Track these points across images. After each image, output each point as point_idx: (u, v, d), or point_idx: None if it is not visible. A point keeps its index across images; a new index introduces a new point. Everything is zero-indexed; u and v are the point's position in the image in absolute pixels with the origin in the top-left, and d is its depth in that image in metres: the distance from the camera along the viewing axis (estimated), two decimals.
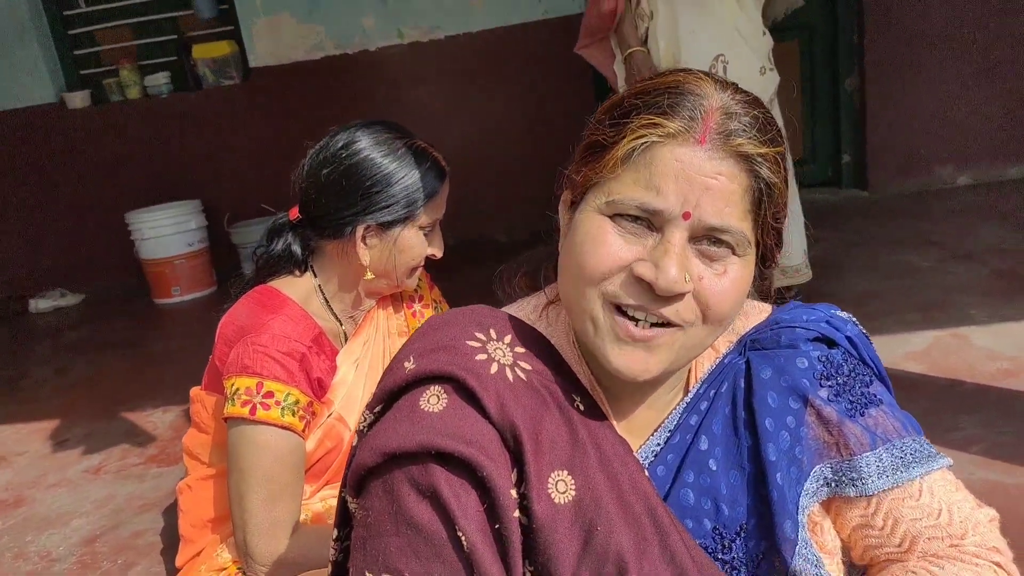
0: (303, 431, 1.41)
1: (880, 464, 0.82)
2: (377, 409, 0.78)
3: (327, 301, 1.55)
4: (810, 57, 4.65)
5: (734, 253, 0.74)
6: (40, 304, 4.89)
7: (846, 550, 0.90)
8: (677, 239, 0.72)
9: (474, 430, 0.72)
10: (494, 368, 0.76)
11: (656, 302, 0.73)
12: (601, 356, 0.77)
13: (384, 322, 1.65)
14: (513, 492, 0.72)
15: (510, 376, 0.76)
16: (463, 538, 0.70)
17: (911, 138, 4.48)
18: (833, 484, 0.84)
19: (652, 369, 0.76)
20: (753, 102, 0.76)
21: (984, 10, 4.24)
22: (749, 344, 0.88)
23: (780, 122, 2.79)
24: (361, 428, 0.79)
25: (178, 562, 1.62)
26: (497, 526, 0.71)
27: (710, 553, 0.81)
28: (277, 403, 1.37)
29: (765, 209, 0.75)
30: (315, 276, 1.55)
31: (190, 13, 4.91)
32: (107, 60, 5.11)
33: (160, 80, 4.94)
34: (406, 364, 0.77)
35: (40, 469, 2.62)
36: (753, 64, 2.71)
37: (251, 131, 4.89)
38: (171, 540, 2.05)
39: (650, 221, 0.73)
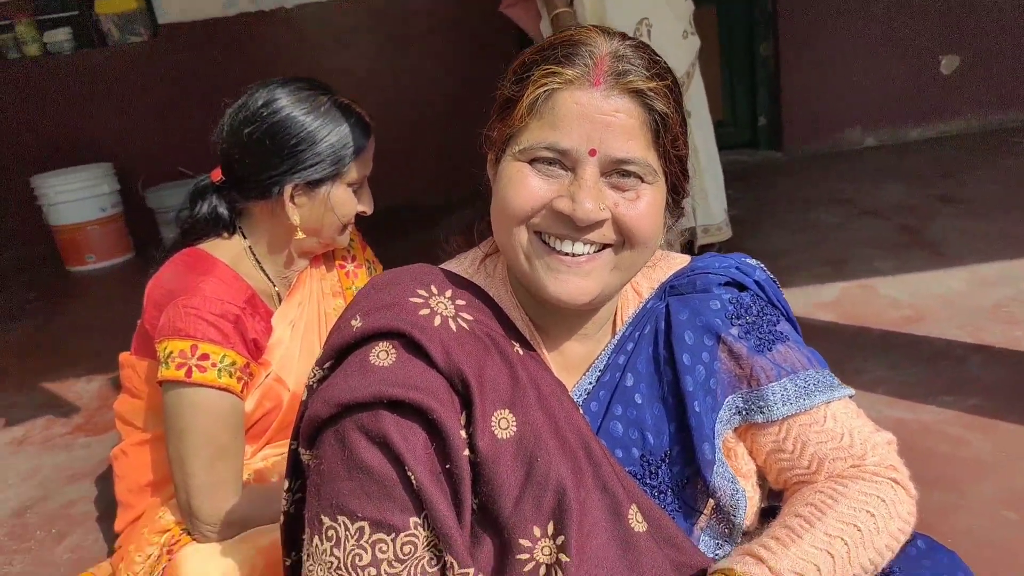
0: (241, 392, 1.41)
1: (784, 393, 0.91)
2: (327, 365, 0.82)
3: (258, 262, 1.54)
4: (727, 23, 4.77)
5: (643, 181, 0.82)
6: None
7: (764, 476, 0.99)
8: (589, 174, 0.79)
9: (423, 378, 0.77)
10: (437, 321, 0.81)
11: (579, 231, 0.81)
12: (539, 286, 0.83)
13: (318, 283, 1.65)
14: (463, 433, 0.78)
15: (453, 327, 0.82)
16: (412, 477, 0.75)
17: (822, 102, 4.68)
18: (744, 412, 0.93)
19: (588, 291, 0.83)
20: (640, 46, 0.83)
21: None
22: (669, 290, 0.97)
23: (701, 86, 2.89)
24: (311, 383, 0.83)
25: (117, 527, 1.60)
26: (448, 466, 0.77)
27: (638, 479, 0.89)
28: (213, 365, 1.36)
29: (663, 139, 0.82)
30: (244, 238, 1.53)
31: None
32: (1, 15, 4.78)
33: (61, 36, 4.66)
34: (353, 322, 0.81)
35: None
36: (676, 28, 2.78)
37: (162, 91, 4.68)
38: (105, 508, 2.01)
39: (562, 162, 0.80)
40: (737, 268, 0.97)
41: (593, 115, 0.78)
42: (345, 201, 1.51)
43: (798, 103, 4.70)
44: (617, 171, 0.80)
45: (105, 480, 2.16)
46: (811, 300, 2.71)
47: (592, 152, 0.79)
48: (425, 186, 4.85)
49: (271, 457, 1.56)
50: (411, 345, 0.79)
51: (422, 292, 0.84)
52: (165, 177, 4.63)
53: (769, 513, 0.99)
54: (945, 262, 2.88)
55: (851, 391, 0.96)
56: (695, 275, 0.96)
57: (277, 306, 1.56)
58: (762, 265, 1.01)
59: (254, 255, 1.53)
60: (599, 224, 0.81)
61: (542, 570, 0.79)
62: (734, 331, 0.93)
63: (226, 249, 1.51)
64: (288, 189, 1.45)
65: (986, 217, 3.29)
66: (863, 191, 3.88)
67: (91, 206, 4.42)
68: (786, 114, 4.73)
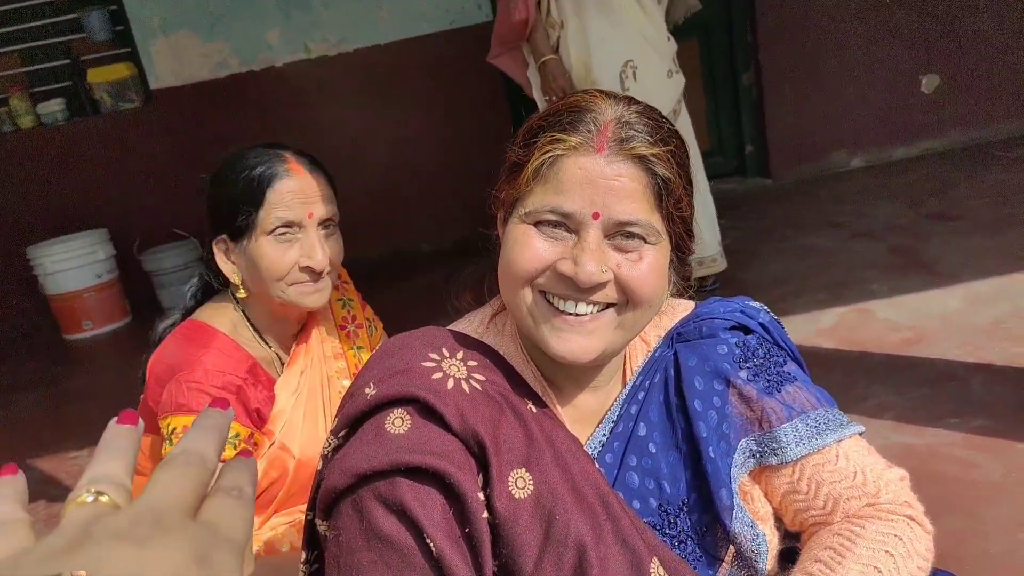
0: None
1: (796, 433, 0.92)
2: (342, 434, 0.82)
3: (255, 329, 1.54)
4: (708, 55, 4.86)
5: (646, 242, 0.83)
6: None
7: (780, 519, 0.98)
8: (592, 237, 0.81)
9: (439, 442, 0.77)
10: (450, 384, 0.82)
11: (582, 292, 0.82)
12: (544, 345, 0.85)
13: (319, 346, 1.64)
14: (480, 495, 0.77)
15: (466, 388, 0.82)
16: (431, 544, 0.74)
17: (807, 127, 4.74)
18: (758, 455, 0.93)
19: (592, 350, 0.84)
20: (645, 110, 0.85)
21: (863, 5, 4.52)
22: (676, 337, 0.97)
23: (688, 120, 2.93)
24: (326, 453, 0.84)
25: None
26: (467, 529, 0.76)
27: (657, 529, 0.89)
28: None
29: (666, 202, 0.84)
30: (237, 303, 1.53)
31: (83, 37, 4.72)
32: None
33: (54, 107, 4.73)
34: (367, 390, 0.82)
35: None
36: (660, 68, 2.83)
37: (156, 154, 4.74)
38: None
39: (567, 224, 0.82)
40: (742, 311, 0.99)
41: (596, 180, 0.80)
42: (266, 253, 1.40)
43: (783, 129, 4.76)
44: (621, 233, 0.82)
45: None
46: (811, 327, 2.71)
47: (596, 215, 0.81)
48: (415, 234, 4.89)
49: (279, 526, 1.54)
50: (426, 410, 0.79)
51: (434, 356, 0.85)
52: (160, 240, 4.66)
53: (787, 556, 0.99)
54: (941, 281, 2.89)
55: (861, 428, 0.96)
56: (701, 321, 0.97)
57: (278, 371, 1.56)
58: (766, 308, 1.02)
59: (249, 321, 1.53)
60: (602, 285, 0.82)
61: None
62: (743, 374, 0.93)
63: (223, 318, 1.50)
64: (216, 247, 1.45)
65: (978, 233, 3.31)
66: (854, 213, 3.91)
67: (87, 273, 4.44)
68: (772, 141, 4.79)
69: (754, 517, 0.93)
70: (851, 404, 2.14)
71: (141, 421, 0.44)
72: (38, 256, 4.39)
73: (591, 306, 0.83)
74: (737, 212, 4.24)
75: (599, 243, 0.81)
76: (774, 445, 0.92)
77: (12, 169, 4.71)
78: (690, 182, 0.87)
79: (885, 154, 4.77)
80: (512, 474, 0.79)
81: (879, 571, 0.85)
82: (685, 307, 1.02)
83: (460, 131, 4.79)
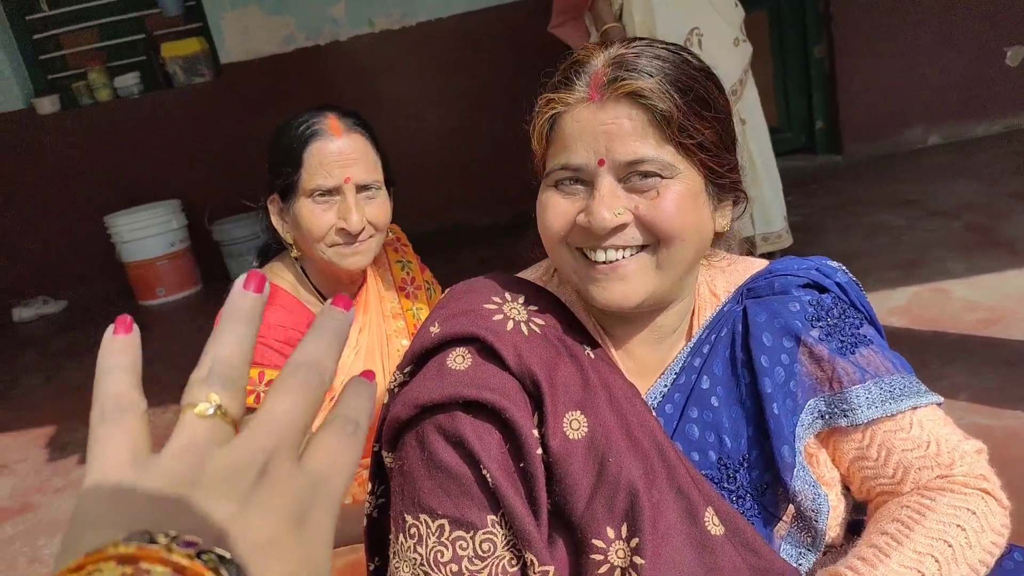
0: None
1: (869, 396, 0.88)
2: (407, 370, 0.86)
3: (315, 287, 1.56)
4: (779, 26, 4.71)
5: (662, 177, 0.81)
6: (23, 313, 4.85)
7: (848, 487, 0.96)
8: (603, 184, 0.81)
9: (496, 380, 0.80)
10: (510, 325, 0.85)
11: (605, 239, 0.82)
12: (589, 298, 0.85)
13: (377, 305, 1.67)
14: (535, 432, 0.80)
15: (525, 331, 0.85)
16: (488, 476, 0.77)
17: (881, 102, 4.56)
18: (827, 416, 0.90)
19: (632, 295, 0.83)
20: (643, 45, 0.83)
21: None
22: (746, 293, 0.95)
23: (755, 92, 2.86)
24: (392, 388, 0.88)
25: None
26: (522, 464, 0.79)
27: (716, 483, 0.88)
28: None
29: (673, 133, 0.81)
30: (295, 261, 1.56)
31: (157, 12, 4.85)
32: (74, 63, 5.05)
33: (130, 81, 4.88)
34: (432, 329, 0.85)
35: (43, 475, 2.63)
36: (727, 36, 2.75)
37: (226, 127, 4.86)
38: None
39: (580, 178, 0.83)
40: (817, 270, 0.96)
41: (595, 128, 0.81)
42: (304, 214, 1.41)
43: (856, 104, 4.59)
44: (634, 173, 0.81)
45: None
46: (881, 306, 2.62)
47: (601, 162, 0.81)
48: (472, 209, 4.91)
49: None
50: (485, 349, 0.82)
51: (496, 299, 0.88)
52: (230, 211, 4.79)
53: (854, 528, 0.96)
54: (1021, 261, 2.76)
55: (939, 398, 0.93)
56: (773, 277, 0.95)
57: None
58: (844, 267, 0.99)
59: (309, 279, 1.55)
60: (621, 228, 0.81)
61: (617, 573, 0.79)
62: (814, 333, 0.91)
63: (286, 275, 1.54)
64: (270, 206, 1.47)
65: None
66: (929, 191, 3.75)
67: (161, 242, 4.60)
68: (844, 116, 4.62)
69: (819, 481, 0.91)
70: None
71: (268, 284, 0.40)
72: (116, 224, 4.57)
73: (621, 251, 0.82)
74: (805, 189, 4.12)
75: (611, 189, 0.81)
76: (844, 407, 0.89)
77: (91, 140, 4.90)
78: (708, 105, 0.82)
79: (964, 131, 4.56)
80: (567, 416, 0.81)
81: (950, 546, 0.82)
82: (758, 264, 1.00)
83: (519, 106, 4.76)
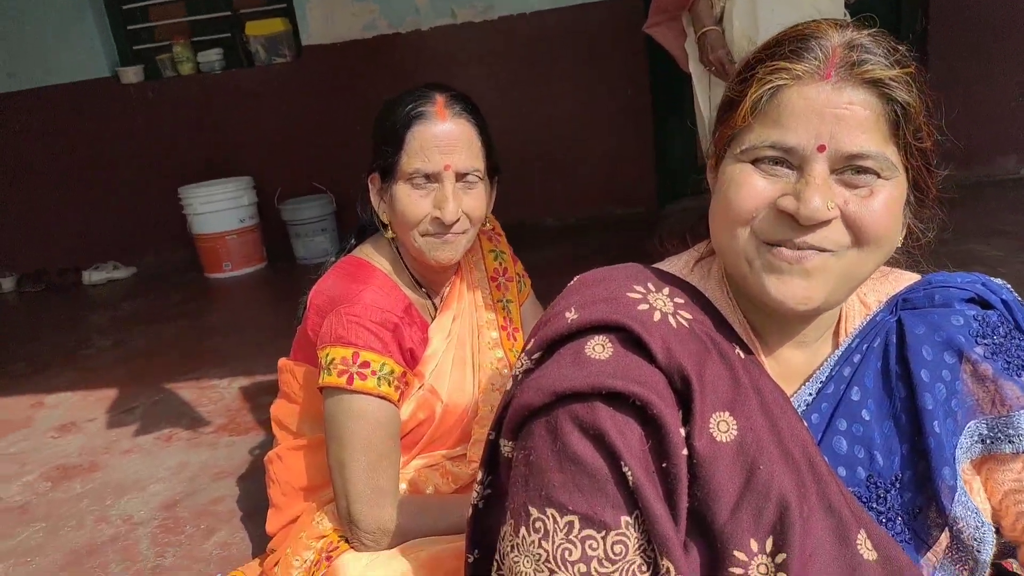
0: (397, 401, 1.41)
1: None
2: (536, 356, 0.80)
3: (410, 272, 1.53)
4: None
5: (880, 177, 0.75)
6: (93, 276, 4.96)
7: (997, 521, 0.88)
8: (817, 171, 0.74)
9: (642, 372, 0.74)
10: (657, 316, 0.78)
11: (802, 232, 0.75)
12: (759, 290, 0.78)
13: (470, 294, 1.63)
14: (682, 430, 0.74)
15: (673, 323, 0.79)
16: (629, 474, 0.71)
17: (973, 127, 4.37)
18: (988, 441, 0.83)
19: (813, 296, 0.77)
20: (878, 33, 0.77)
21: None
22: (901, 303, 0.89)
23: None
24: (516, 373, 0.82)
25: (269, 529, 1.63)
26: (664, 464, 0.73)
27: (864, 502, 0.82)
28: (373, 373, 1.36)
29: (904, 130, 0.76)
30: (392, 242, 1.53)
31: None
32: (161, 36, 5.14)
33: (213, 57, 4.96)
34: (567, 315, 0.79)
35: (111, 436, 2.66)
36: None
37: (302, 109, 4.90)
38: (249, 508, 2.07)
39: (788, 160, 0.76)
40: (983, 284, 0.90)
41: (822, 109, 0.74)
42: (400, 198, 1.38)
43: (945, 129, 4.41)
44: (851, 167, 0.75)
45: (248, 479, 2.23)
46: None
47: (821, 148, 0.74)
48: (541, 209, 4.86)
49: (423, 469, 1.55)
50: (629, 340, 0.76)
51: (639, 288, 0.81)
52: (300, 192, 4.83)
53: (997, 573, 0.89)
54: None
55: None
56: (933, 289, 0.90)
57: (430, 316, 1.56)
58: (1008, 285, 0.92)
59: (405, 264, 1.52)
60: (824, 224, 0.75)
61: None
62: (979, 350, 0.84)
63: (384, 257, 1.52)
64: (370, 183, 1.44)
65: None
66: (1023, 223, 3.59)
67: (231, 217, 4.66)
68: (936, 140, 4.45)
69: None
70: None
71: None
72: (189, 197, 4.65)
73: (811, 252, 0.76)
74: None
75: (825, 178, 0.75)
76: (1010, 431, 0.82)
77: (170, 112, 4.99)
78: (931, 112, 0.79)
79: None
80: (715, 416, 0.75)
81: None
82: (912, 276, 0.94)
83: (596, 108, 4.71)
